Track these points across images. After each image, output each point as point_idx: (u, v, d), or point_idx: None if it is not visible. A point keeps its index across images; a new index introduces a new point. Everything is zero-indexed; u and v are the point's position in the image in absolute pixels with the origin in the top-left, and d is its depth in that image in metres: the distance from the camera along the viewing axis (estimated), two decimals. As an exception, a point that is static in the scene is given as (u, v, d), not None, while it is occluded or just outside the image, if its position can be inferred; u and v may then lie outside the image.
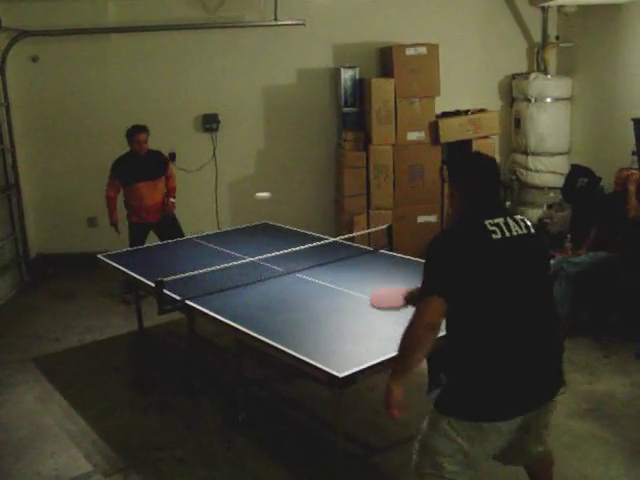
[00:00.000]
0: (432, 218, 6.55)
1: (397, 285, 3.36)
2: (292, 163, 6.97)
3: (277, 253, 4.32)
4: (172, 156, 6.73)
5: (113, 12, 6.49)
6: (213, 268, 4.03)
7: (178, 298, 3.74)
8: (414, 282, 2.75)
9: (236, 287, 3.92)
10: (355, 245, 4.91)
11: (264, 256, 4.33)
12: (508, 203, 6.77)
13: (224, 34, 6.63)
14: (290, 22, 6.48)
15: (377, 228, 5.04)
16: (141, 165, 5.74)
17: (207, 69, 6.71)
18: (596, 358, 4.43)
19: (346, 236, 5.05)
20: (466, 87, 6.77)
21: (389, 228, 4.80)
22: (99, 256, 4.73)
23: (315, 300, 3.71)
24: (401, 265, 4.27)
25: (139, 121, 5.84)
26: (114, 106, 6.66)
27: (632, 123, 5.22)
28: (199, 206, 6.89)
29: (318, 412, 3.88)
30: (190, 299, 3.72)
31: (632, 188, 4.57)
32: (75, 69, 6.65)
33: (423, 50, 6.30)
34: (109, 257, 4.70)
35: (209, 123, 6.74)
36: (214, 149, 6.83)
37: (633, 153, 5.33)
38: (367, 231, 5.08)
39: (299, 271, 4.18)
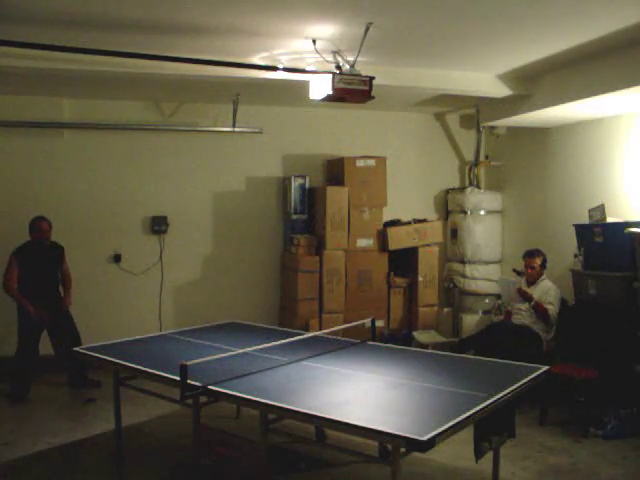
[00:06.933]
0: (379, 323, 6.67)
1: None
2: (238, 267, 6.91)
3: (275, 343, 4.22)
4: (117, 258, 6.48)
5: (68, 109, 6.38)
6: (227, 354, 3.84)
7: (199, 384, 3.50)
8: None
9: (249, 374, 3.73)
10: (342, 338, 4.89)
11: (262, 346, 4.18)
12: (449, 309, 7.09)
13: (179, 137, 6.69)
14: (248, 129, 6.68)
15: (360, 322, 5.07)
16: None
17: (160, 171, 6.66)
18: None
19: (328, 330, 5.05)
20: (405, 199, 7.18)
21: (373, 321, 4.86)
22: (77, 349, 4.34)
23: (340, 382, 3.62)
24: (388, 353, 4.37)
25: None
26: (60, 202, 6.35)
27: (574, 228, 5.77)
28: (141, 308, 6.60)
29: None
30: (213, 384, 3.49)
31: None
32: (24, 163, 6.36)
33: (372, 163, 6.71)
34: (90, 350, 4.33)
35: (158, 225, 6.60)
36: (161, 251, 6.65)
37: (575, 256, 5.85)
38: (350, 325, 5.19)
39: (304, 359, 4.08)
